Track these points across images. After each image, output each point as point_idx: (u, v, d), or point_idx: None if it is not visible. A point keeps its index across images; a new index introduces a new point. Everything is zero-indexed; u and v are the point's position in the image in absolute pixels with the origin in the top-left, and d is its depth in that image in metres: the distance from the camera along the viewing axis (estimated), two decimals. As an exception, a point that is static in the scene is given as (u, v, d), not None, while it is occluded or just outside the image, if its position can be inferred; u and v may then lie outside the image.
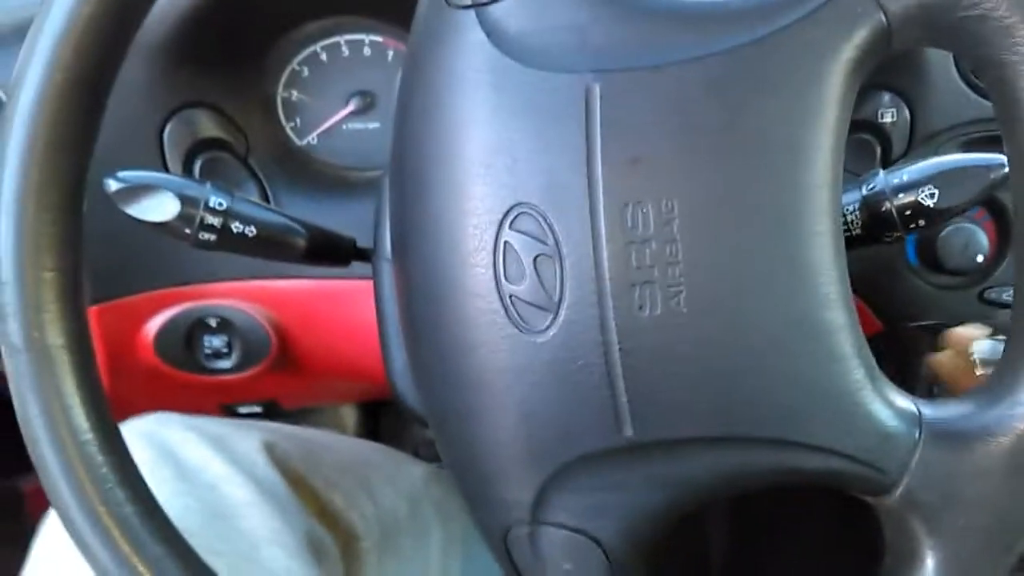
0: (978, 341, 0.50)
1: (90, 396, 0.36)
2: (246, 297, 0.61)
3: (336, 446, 0.63)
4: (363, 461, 0.63)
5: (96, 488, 0.35)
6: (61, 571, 0.44)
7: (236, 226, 0.43)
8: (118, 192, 0.41)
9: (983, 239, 0.55)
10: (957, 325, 0.54)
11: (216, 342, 0.61)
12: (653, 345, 0.32)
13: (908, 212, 0.40)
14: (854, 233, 0.41)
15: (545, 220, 0.32)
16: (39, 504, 0.88)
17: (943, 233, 0.55)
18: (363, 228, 0.50)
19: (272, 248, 0.46)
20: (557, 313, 0.32)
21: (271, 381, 0.64)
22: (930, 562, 0.33)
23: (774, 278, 0.31)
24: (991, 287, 0.57)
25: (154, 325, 0.61)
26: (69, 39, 0.34)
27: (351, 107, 0.63)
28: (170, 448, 0.50)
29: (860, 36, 0.31)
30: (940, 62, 0.56)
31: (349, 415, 0.91)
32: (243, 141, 0.61)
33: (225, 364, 0.62)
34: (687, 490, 0.33)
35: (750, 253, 0.31)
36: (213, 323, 0.61)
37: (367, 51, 0.62)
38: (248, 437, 0.54)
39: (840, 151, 0.32)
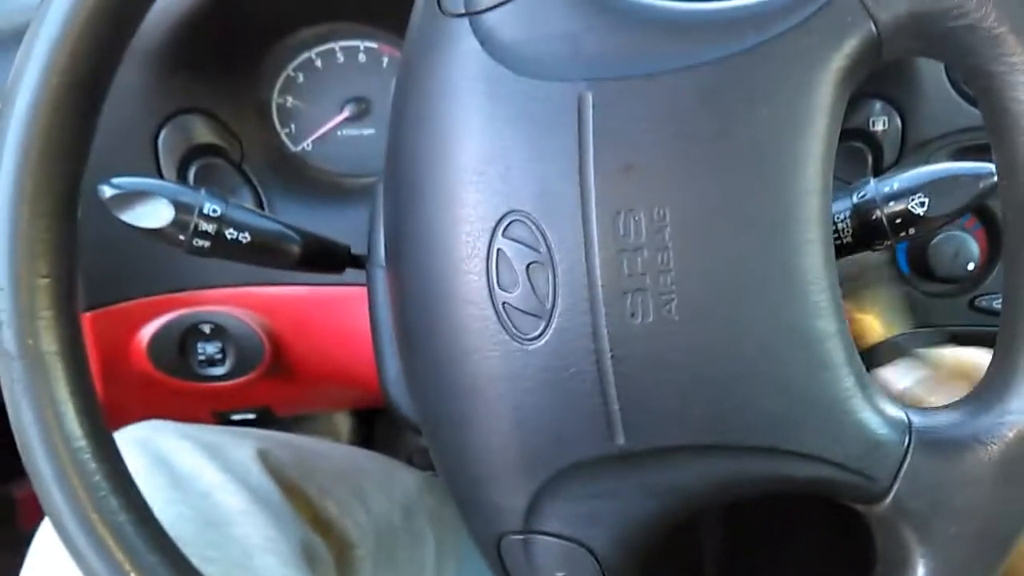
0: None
1: (84, 403, 0.36)
2: (240, 304, 0.61)
3: (330, 454, 0.63)
4: (357, 469, 0.63)
5: (89, 496, 0.35)
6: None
7: (230, 232, 0.43)
8: (112, 198, 0.41)
9: (974, 247, 0.56)
10: (947, 335, 0.54)
11: (210, 349, 0.61)
12: (645, 353, 0.32)
13: (898, 220, 0.40)
14: (844, 241, 0.41)
15: (538, 228, 0.32)
16: (31, 511, 0.88)
17: (934, 241, 0.56)
18: (357, 235, 0.50)
19: (266, 255, 0.46)
20: (549, 320, 0.33)
21: (265, 388, 0.64)
22: (921, 570, 0.33)
23: (765, 286, 0.32)
24: (982, 295, 0.57)
25: (148, 332, 0.61)
26: (65, 44, 0.34)
27: (346, 113, 0.63)
28: (164, 456, 0.50)
29: (850, 45, 0.31)
30: (931, 71, 0.56)
31: (343, 422, 0.91)
32: (238, 147, 0.61)
33: (219, 371, 0.62)
34: (679, 498, 0.33)
35: (741, 261, 0.31)
36: (207, 330, 0.61)
37: (362, 57, 0.63)
38: (242, 445, 0.54)
39: (830, 159, 0.32)
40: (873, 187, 0.41)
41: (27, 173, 0.35)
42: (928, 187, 0.40)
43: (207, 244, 0.43)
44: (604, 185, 0.32)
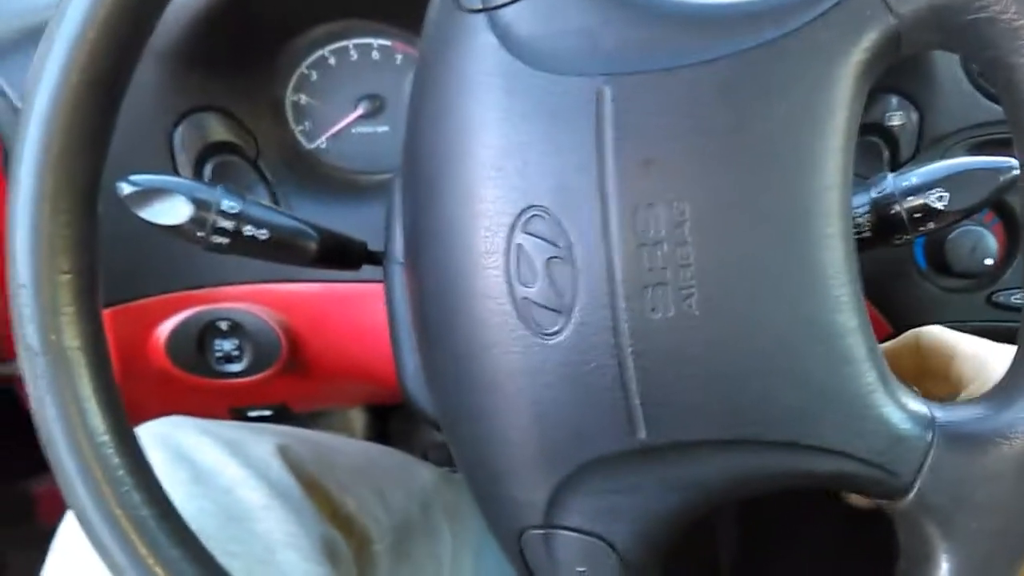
0: None
1: (106, 398, 0.36)
2: (257, 300, 0.61)
3: (348, 450, 0.63)
4: (375, 464, 0.63)
5: (113, 490, 0.35)
6: (79, 571, 0.44)
7: (248, 229, 0.44)
8: (131, 196, 0.42)
9: (992, 242, 0.55)
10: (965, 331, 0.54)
11: (227, 345, 0.61)
12: (665, 347, 0.32)
13: (917, 215, 0.40)
14: (863, 236, 0.41)
15: (557, 222, 0.32)
16: (50, 507, 0.89)
17: (951, 236, 0.55)
18: (372, 231, 0.51)
19: (284, 251, 0.46)
20: (569, 315, 0.33)
21: (281, 384, 0.64)
22: (944, 565, 0.32)
23: (785, 280, 0.31)
24: (1000, 290, 0.57)
25: (165, 328, 0.61)
26: (84, 41, 0.35)
27: (360, 111, 0.63)
28: (185, 451, 0.50)
29: (870, 39, 0.31)
30: (948, 65, 0.56)
31: (357, 418, 0.92)
32: (253, 145, 0.61)
33: (236, 367, 0.62)
34: (700, 493, 0.33)
35: (761, 255, 0.31)
36: (224, 327, 0.61)
37: (376, 55, 0.63)
38: (262, 441, 0.54)
39: (850, 153, 0.32)
40: (892, 181, 0.41)
41: (47, 170, 0.35)
42: (947, 181, 0.40)
43: (225, 241, 0.43)
44: (623, 180, 0.32)
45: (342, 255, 0.49)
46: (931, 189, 0.40)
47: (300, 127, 0.63)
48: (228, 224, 0.43)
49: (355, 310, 0.60)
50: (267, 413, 0.68)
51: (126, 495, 0.36)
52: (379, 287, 0.48)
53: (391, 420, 0.93)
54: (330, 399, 0.75)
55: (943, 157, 0.54)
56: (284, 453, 0.54)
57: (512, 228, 0.33)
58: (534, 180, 0.33)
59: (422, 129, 0.36)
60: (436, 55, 0.35)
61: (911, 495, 0.32)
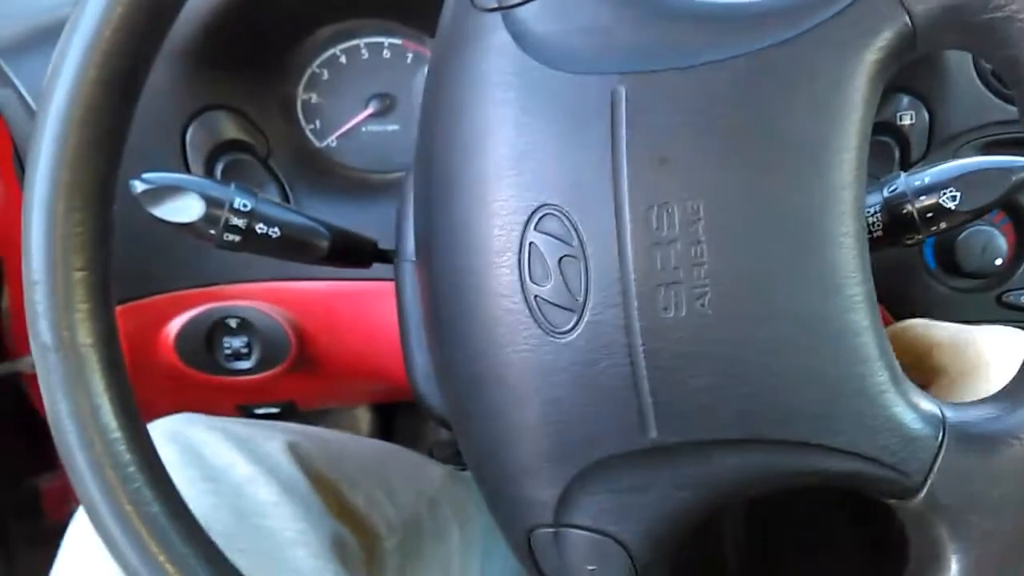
0: None
1: (119, 395, 0.36)
2: (266, 298, 0.61)
3: (357, 447, 0.63)
4: (384, 462, 0.63)
5: (124, 486, 0.36)
6: (90, 567, 0.45)
7: (260, 227, 0.44)
8: (144, 193, 0.42)
9: (1002, 242, 0.55)
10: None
11: (236, 343, 0.61)
12: (678, 346, 0.32)
13: (929, 214, 0.40)
14: (875, 235, 0.41)
15: (570, 221, 0.33)
16: (57, 503, 0.89)
17: (961, 236, 0.55)
18: (382, 229, 0.51)
19: (295, 249, 0.46)
20: (582, 314, 0.33)
21: (290, 382, 0.64)
22: (954, 566, 0.32)
23: (799, 280, 0.31)
24: (1010, 290, 0.57)
25: (175, 326, 0.61)
26: (101, 40, 0.35)
27: (370, 109, 0.63)
28: (196, 448, 0.50)
29: (884, 38, 0.31)
30: (959, 64, 0.56)
31: (363, 416, 0.92)
32: (264, 143, 0.61)
33: (245, 365, 0.62)
34: (711, 492, 0.33)
35: (775, 255, 0.31)
36: (233, 324, 0.61)
37: (386, 54, 0.63)
38: (272, 438, 0.54)
39: (864, 153, 0.32)
40: (904, 181, 0.41)
41: (63, 168, 0.35)
42: (960, 181, 0.40)
43: (237, 239, 0.43)
44: (637, 178, 0.32)
45: (353, 253, 0.49)
46: (943, 189, 0.40)
47: (311, 126, 0.64)
48: (240, 222, 0.43)
49: (365, 308, 0.61)
50: (274, 410, 0.68)
51: (137, 491, 0.36)
52: (389, 285, 0.48)
53: (397, 418, 0.93)
54: (338, 397, 0.75)
55: (954, 157, 0.54)
56: (294, 450, 0.54)
57: (525, 226, 0.33)
58: (548, 179, 0.33)
59: (436, 128, 0.36)
60: (451, 54, 0.35)
61: (921, 495, 0.32)
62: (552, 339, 0.33)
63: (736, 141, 0.31)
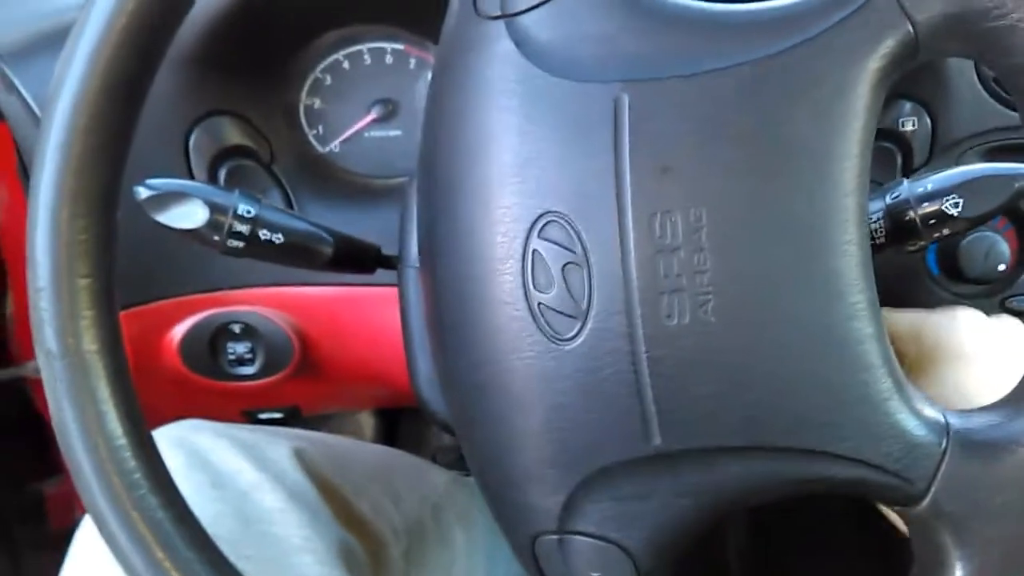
0: None
1: (124, 402, 0.36)
2: (270, 304, 0.61)
3: (362, 453, 0.63)
4: (389, 468, 0.63)
5: (129, 493, 0.36)
6: (97, 573, 0.45)
7: (264, 233, 0.44)
8: (148, 200, 0.42)
9: (1005, 248, 0.55)
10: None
11: (240, 348, 0.61)
12: (681, 354, 0.32)
13: (932, 221, 0.40)
14: (877, 242, 0.41)
15: (573, 228, 0.33)
16: (61, 509, 0.89)
17: (964, 242, 0.55)
18: (385, 235, 0.51)
19: (299, 255, 0.46)
20: (585, 321, 0.33)
21: (293, 387, 0.64)
22: (959, 573, 0.32)
23: (802, 287, 0.32)
24: (1013, 296, 0.57)
25: (179, 331, 0.61)
26: (105, 48, 0.35)
27: (373, 115, 0.63)
28: (203, 455, 0.51)
29: (887, 46, 0.31)
30: (961, 70, 0.56)
31: (367, 422, 0.92)
32: (267, 149, 0.61)
33: (249, 370, 0.62)
34: (715, 499, 0.33)
35: (778, 262, 0.31)
36: (237, 329, 0.61)
37: (389, 59, 0.63)
38: (278, 444, 0.54)
39: (867, 160, 0.32)
40: (906, 187, 0.41)
41: (68, 174, 0.36)
42: (962, 188, 0.40)
43: (241, 245, 0.43)
44: (640, 186, 0.32)
45: (356, 259, 0.49)
46: (946, 196, 0.40)
47: (314, 131, 0.64)
48: (244, 228, 0.43)
49: (368, 314, 0.61)
50: (277, 416, 0.68)
51: (142, 498, 0.36)
52: (392, 291, 0.48)
53: (401, 423, 0.94)
54: (342, 402, 0.75)
55: (957, 163, 0.54)
56: (300, 456, 0.54)
57: (528, 234, 0.33)
58: (551, 186, 0.33)
59: (439, 134, 0.36)
60: (454, 61, 0.35)
61: (925, 502, 0.32)
62: (555, 346, 0.33)
63: (739, 149, 0.32)
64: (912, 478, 0.32)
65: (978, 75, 0.56)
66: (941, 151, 0.56)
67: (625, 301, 0.32)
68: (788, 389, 0.32)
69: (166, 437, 0.51)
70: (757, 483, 0.33)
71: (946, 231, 0.40)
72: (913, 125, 0.56)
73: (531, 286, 0.33)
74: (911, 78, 0.55)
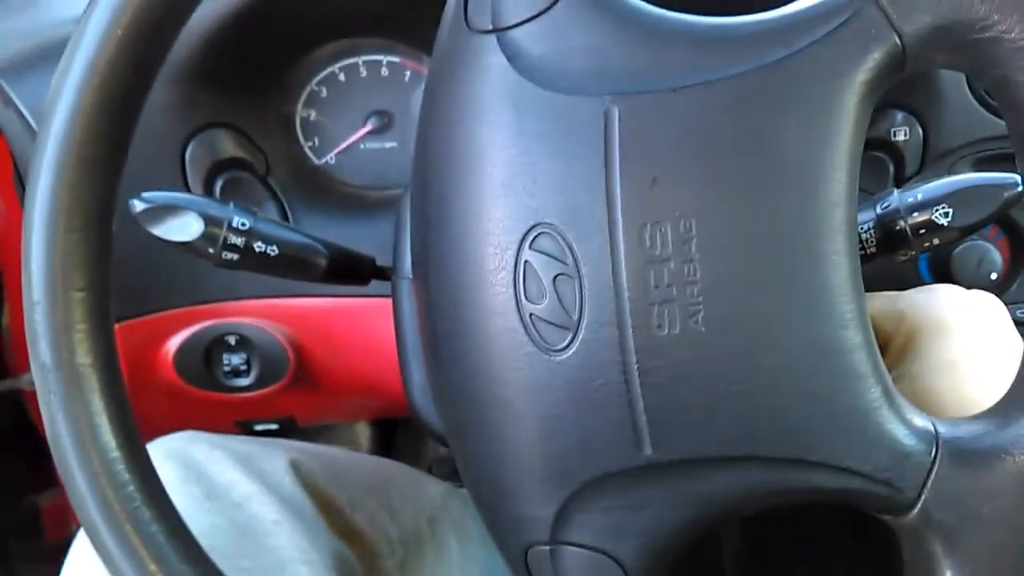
0: None
1: (118, 415, 0.36)
2: (265, 315, 0.61)
3: (358, 465, 0.63)
4: (385, 479, 0.63)
5: (122, 505, 0.36)
6: None
7: (259, 246, 0.44)
8: (143, 212, 0.42)
9: (996, 257, 0.56)
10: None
11: (235, 360, 0.62)
12: (672, 364, 0.32)
13: (922, 231, 0.40)
14: (868, 251, 0.42)
15: (565, 240, 0.33)
16: (56, 521, 0.88)
17: (956, 251, 0.56)
18: (380, 246, 0.51)
19: (294, 267, 0.46)
20: (576, 332, 0.33)
21: (289, 398, 0.64)
22: None
23: (791, 297, 0.32)
24: (1006, 304, 0.57)
25: (174, 343, 0.61)
26: (101, 62, 0.35)
27: (369, 127, 0.63)
28: (198, 467, 0.51)
29: (874, 58, 0.32)
30: (953, 80, 0.56)
31: (363, 432, 0.92)
32: (263, 161, 0.61)
33: (244, 382, 0.62)
34: (707, 509, 0.34)
35: (768, 273, 0.32)
36: (232, 341, 0.61)
37: (384, 71, 0.63)
38: (274, 456, 0.54)
39: (855, 171, 0.32)
40: (897, 197, 0.41)
41: (63, 188, 0.36)
42: (952, 197, 0.40)
43: (236, 257, 0.44)
44: (630, 198, 0.32)
45: (351, 270, 0.49)
46: (936, 205, 0.40)
47: (309, 143, 0.64)
48: (239, 240, 0.43)
49: (363, 325, 0.61)
50: (273, 427, 0.68)
51: (136, 511, 0.36)
52: (387, 302, 0.49)
53: (397, 434, 0.94)
54: (337, 413, 0.76)
55: (948, 172, 0.54)
56: (296, 468, 0.54)
57: (520, 245, 0.33)
58: (542, 198, 0.33)
59: (431, 147, 0.36)
60: (446, 74, 0.36)
61: (915, 511, 0.32)
62: (547, 357, 0.33)
63: (728, 161, 0.32)
64: (902, 487, 0.32)
65: (969, 85, 0.56)
66: (933, 161, 0.57)
67: (616, 312, 0.32)
68: (778, 399, 0.32)
69: (162, 449, 0.51)
70: (748, 493, 0.33)
71: (936, 241, 0.41)
72: (905, 135, 0.56)
73: (523, 297, 0.33)
74: (903, 88, 0.55)
